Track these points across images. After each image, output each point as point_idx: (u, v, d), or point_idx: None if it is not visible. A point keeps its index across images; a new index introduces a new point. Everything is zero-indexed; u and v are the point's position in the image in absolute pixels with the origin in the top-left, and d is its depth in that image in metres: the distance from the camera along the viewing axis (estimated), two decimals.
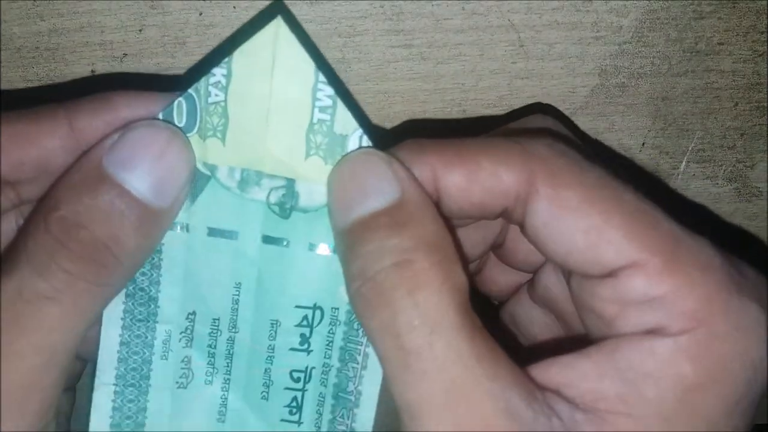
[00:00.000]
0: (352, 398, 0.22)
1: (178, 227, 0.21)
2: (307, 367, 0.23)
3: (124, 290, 0.21)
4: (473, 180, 0.20)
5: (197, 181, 0.21)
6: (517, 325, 0.26)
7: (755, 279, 0.19)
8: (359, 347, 0.22)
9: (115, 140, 0.20)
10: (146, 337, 0.22)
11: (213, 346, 0.23)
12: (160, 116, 0.20)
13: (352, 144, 0.21)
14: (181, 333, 0.22)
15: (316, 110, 0.20)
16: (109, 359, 0.22)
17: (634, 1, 0.26)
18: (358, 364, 0.22)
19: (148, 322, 0.22)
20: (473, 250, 0.24)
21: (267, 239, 0.22)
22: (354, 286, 0.19)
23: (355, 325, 0.22)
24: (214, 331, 0.22)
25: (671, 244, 0.18)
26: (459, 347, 0.18)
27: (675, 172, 0.30)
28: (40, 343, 0.19)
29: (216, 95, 0.20)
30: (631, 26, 0.26)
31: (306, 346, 0.22)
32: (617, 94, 0.28)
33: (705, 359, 0.18)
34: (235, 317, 0.22)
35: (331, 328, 0.22)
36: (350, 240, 0.19)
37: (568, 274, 0.21)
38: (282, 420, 0.23)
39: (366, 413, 0.22)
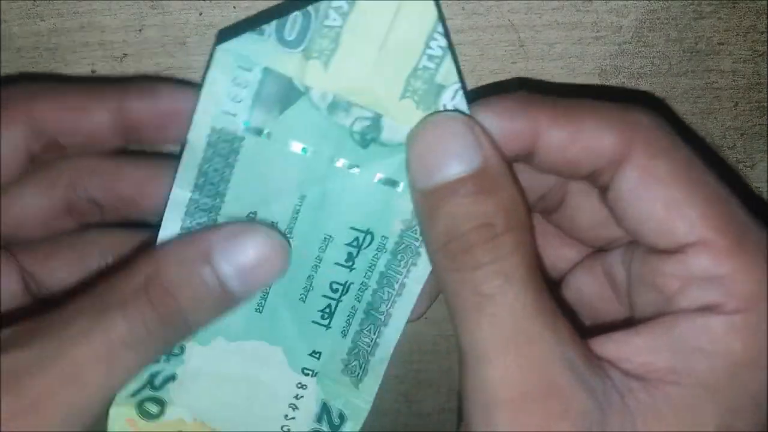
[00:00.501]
0: (382, 318, 0.24)
1: (262, 134, 0.22)
2: (346, 282, 0.24)
3: (194, 181, 0.22)
4: (576, 138, 0.21)
5: (289, 93, 0.21)
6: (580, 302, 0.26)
7: None
8: (398, 276, 0.23)
9: (233, 234, 0.21)
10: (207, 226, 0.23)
11: None
12: (273, 25, 0.21)
13: (447, 96, 0.21)
14: None
15: (425, 57, 0.21)
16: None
17: (634, 1, 0.26)
18: (393, 290, 0.23)
19: (211, 212, 0.23)
20: None
21: (339, 162, 0.22)
22: (441, 241, 0.20)
23: (399, 256, 0.23)
24: None
25: (740, 228, 0.19)
26: (525, 299, 0.19)
27: None
28: (110, 384, 0.20)
29: (334, 19, 0.20)
30: (631, 26, 0.26)
31: (350, 263, 0.24)
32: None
33: (755, 339, 0.19)
34: (292, 225, 0.23)
35: (377, 254, 0.23)
36: (433, 201, 0.20)
37: (631, 249, 0.22)
38: (313, 321, 0.25)
39: (392, 334, 0.24)
